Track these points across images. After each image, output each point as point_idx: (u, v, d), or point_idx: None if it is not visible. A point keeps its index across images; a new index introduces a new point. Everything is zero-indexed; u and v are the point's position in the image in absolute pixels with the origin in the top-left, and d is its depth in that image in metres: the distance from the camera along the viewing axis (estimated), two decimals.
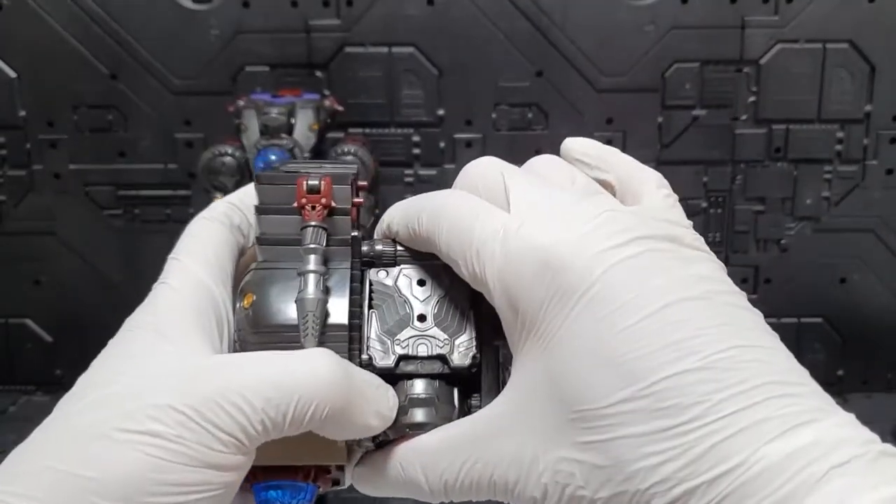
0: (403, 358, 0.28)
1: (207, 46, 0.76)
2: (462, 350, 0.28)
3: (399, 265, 0.30)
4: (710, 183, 0.80)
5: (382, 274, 0.30)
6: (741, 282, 0.81)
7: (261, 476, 0.28)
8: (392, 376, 0.28)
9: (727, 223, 0.80)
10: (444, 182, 0.78)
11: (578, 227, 0.25)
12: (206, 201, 0.69)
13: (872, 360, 0.82)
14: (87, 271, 0.80)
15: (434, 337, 0.28)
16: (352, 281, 0.29)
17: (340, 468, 0.29)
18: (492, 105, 0.78)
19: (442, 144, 0.78)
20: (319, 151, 0.69)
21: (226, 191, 0.67)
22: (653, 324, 0.23)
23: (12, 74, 0.77)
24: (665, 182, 0.29)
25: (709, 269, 0.26)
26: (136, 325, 0.28)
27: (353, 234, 0.29)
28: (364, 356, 0.28)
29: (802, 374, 0.24)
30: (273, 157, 0.64)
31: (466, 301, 0.29)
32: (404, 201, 0.30)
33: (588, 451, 0.23)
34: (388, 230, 0.31)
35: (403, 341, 0.28)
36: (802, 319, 0.82)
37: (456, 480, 0.26)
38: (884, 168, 0.79)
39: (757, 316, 0.26)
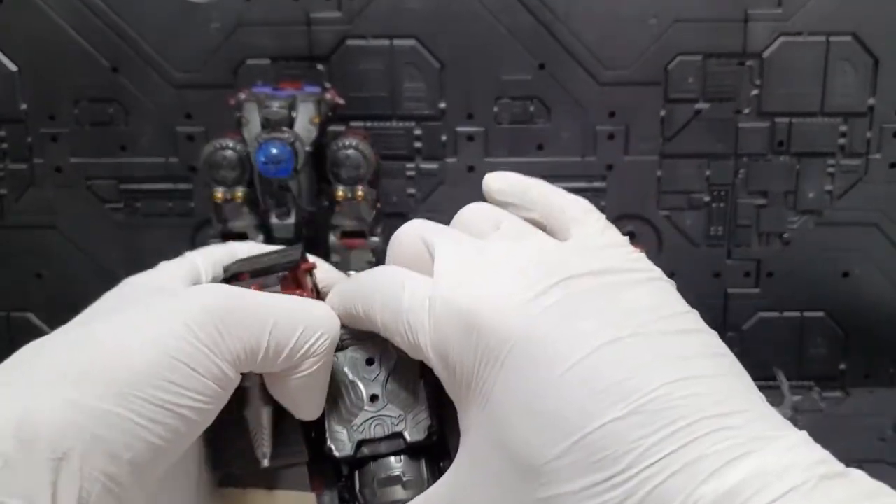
0: (363, 442, 0.29)
1: (208, 39, 0.76)
2: (418, 424, 0.29)
3: (346, 348, 0.30)
4: (713, 176, 0.79)
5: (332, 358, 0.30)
6: (744, 275, 0.81)
7: None
8: (355, 462, 0.29)
9: (730, 217, 0.80)
10: (446, 176, 0.78)
11: (497, 283, 0.25)
12: (207, 195, 0.70)
13: (875, 354, 0.82)
14: (89, 265, 0.80)
15: (388, 415, 0.29)
16: None
17: None
18: (493, 98, 0.77)
19: (444, 138, 0.78)
20: (321, 145, 0.69)
21: (227, 184, 0.67)
22: (580, 373, 0.23)
23: (13, 68, 0.77)
24: (590, 206, 0.29)
25: (644, 295, 0.25)
26: (132, 285, 0.31)
27: None
28: (326, 447, 0.29)
29: (747, 398, 0.24)
30: (274, 151, 0.64)
31: (416, 371, 0.29)
32: (342, 286, 0.31)
33: None
34: None
35: (360, 426, 0.29)
36: (805, 313, 0.81)
37: None
38: (887, 162, 0.79)
39: (700, 337, 0.25)
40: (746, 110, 0.78)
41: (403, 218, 0.78)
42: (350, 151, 0.69)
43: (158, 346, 0.26)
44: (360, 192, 0.69)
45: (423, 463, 0.29)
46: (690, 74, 0.77)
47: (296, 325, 0.27)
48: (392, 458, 0.28)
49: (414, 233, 0.30)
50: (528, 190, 0.31)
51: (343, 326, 0.30)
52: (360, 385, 0.29)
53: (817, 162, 0.79)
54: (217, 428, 0.28)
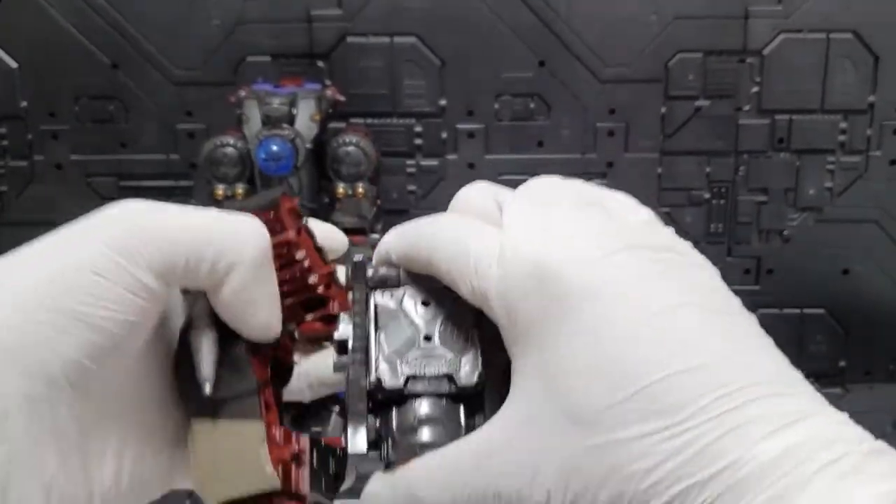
0: (412, 378, 0.29)
1: (209, 37, 0.76)
2: (468, 369, 0.29)
3: (403, 286, 0.30)
4: (713, 173, 0.79)
5: (387, 296, 0.30)
6: (744, 272, 0.81)
7: None
8: (400, 396, 0.29)
9: (730, 214, 0.80)
10: (446, 173, 0.78)
11: (570, 239, 0.26)
12: (208, 192, 0.70)
13: (874, 351, 0.82)
14: None
15: (441, 356, 0.29)
16: (356, 303, 0.30)
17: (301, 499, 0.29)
18: (494, 95, 0.78)
19: (444, 135, 0.78)
20: (321, 142, 0.69)
21: (227, 181, 0.67)
22: (644, 330, 0.24)
23: (13, 65, 0.77)
24: (635, 202, 0.30)
25: (700, 277, 0.27)
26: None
27: (356, 258, 0.30)
28: (372, 377, 0.28)
29: (794, 377, 0.25)
30: (275, 148, 0.64)
31: (470, 321, 0.29)
32: (399, 228, 0.31)
33: (587, 454, 0.24)
34: (388, 258, 0.31)
35: (411, 361, 0.29)
36: (805, 310, 0.81)
37: (461, 495, 0.27)
38: (887, 159, 0.79)
39: (750, 320, 0.26)
40: (747, 107, 0.78)
41: (404, 215, 0.80)
42: (350, 148, 0.69)
43: (68, 258, 0.25)
44: (360, 189, 0.69)
45: (462, 411, 0.29)
46: (691, 71, 0.77)
47: (215, 234, 0.28)
48: (436, 400, 0.28)
49: (484, 188, 0.31)
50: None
51: (400, 267, 0.30)
52: (414, 323, 0.29)
53: (817, 159, 0.79)
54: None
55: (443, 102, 0.78)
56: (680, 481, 0.23)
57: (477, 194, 0.31)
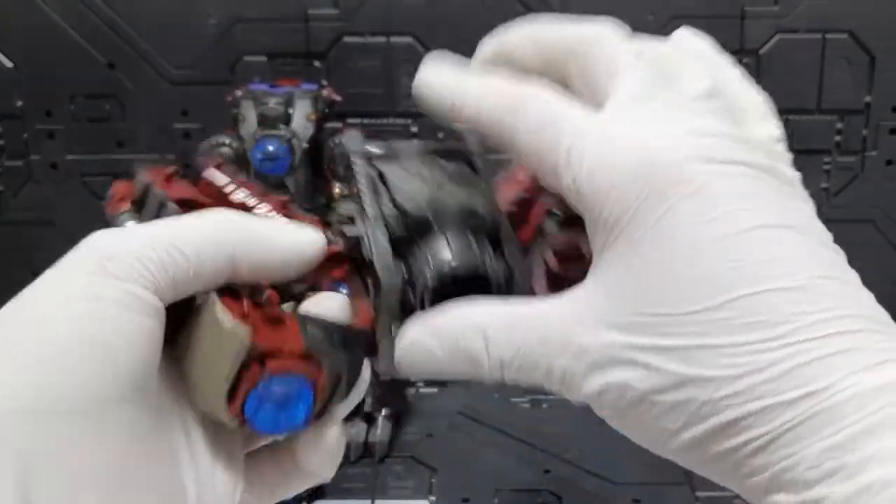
0: (436, 211, 0.28)
1: (205, 36, 0.76)
2: (485, 204, 0.28)
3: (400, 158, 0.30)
4: None
5: (385, 162, 0.30)
6: None
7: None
8: (427, 224, 0.27)
9: None
10: None
11: (682, 136, 0.25)
12: None
13: None
14: None
15: (458, 196, 0.28)
16: (357, 175, 0.29)
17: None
18: None
19: (440, 135, 0.78)
20: (317, 142, 0.69)
21: None
22: (747, 239, 0.23)
23: (9, 64, 0.76)
24: (771, 111, 0.29)
25: (804, 208, 0.26)
26: None
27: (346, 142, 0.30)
28: (391, 211, 0.27)
29: (888, 318, 0.24)
30: (271, 148, 0.64)
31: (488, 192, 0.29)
32: (484, 91, 0.31)
33: (661, 354, 0.23)
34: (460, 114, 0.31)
35: (430, 199, 0.28)
36: None
37: (513, 359, 0.25)
38: (883, 159, 0.79)
39: (844, 258, 0.26)
40: None
41: None
42: None
43: (58, 302, 0.25)
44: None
45: (487, 243, 0.27)
46: None
47: (190, 235, 0.26)
48: (462, 231, 0.27)
49: (606, 37, 0.30)
50: (715, 66, 0.30)
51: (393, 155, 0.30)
52: (422, 175, 0.28)
53: (813, 159, 0.79)
54: None
55: None
56: (762, 398, 0.22)
57: (595, 42, 0.30)
